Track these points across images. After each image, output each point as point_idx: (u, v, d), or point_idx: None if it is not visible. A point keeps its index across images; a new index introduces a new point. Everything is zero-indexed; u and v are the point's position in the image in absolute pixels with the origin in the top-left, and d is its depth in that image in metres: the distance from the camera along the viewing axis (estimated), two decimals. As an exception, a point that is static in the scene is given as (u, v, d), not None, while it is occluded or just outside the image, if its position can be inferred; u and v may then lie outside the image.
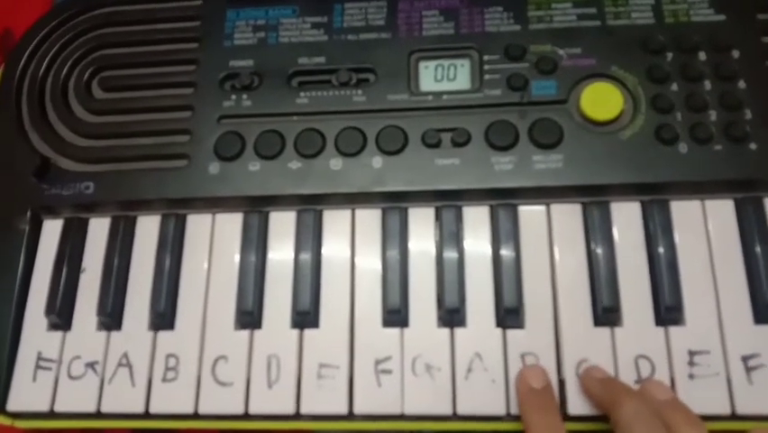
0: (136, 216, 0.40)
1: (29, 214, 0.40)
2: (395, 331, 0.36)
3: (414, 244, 0.38)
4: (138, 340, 0.37)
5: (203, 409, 0.36)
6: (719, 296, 0.35)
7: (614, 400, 0.31)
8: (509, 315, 0.35)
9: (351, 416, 0.35)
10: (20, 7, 0.51)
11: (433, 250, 0.37)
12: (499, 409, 0.34)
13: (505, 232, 0.37)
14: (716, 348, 0.34)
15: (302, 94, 0.40)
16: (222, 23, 0.42)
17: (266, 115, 0.40)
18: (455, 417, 0.34)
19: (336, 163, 0.38)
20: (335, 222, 0.39)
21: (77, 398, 0.37)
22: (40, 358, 0.37)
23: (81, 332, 0.38)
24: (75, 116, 0.42)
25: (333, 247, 0.38)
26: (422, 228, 0.38)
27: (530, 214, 0.38)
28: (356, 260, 0.38)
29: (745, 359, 0.34)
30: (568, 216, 0.37)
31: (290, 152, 0.39)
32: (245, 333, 0.37)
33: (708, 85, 0.38)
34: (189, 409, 0.36)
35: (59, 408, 0.37)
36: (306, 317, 0.36)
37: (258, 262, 0.38)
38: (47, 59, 0.44)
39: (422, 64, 0.40)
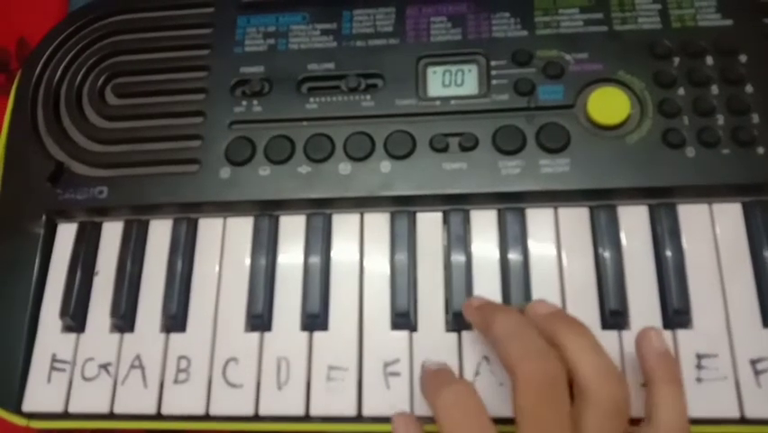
0: (149, 220, 0.41)
1: (43, 218, 0.41)
2: (403, 334, 0.36)
3: (422, 248, 0.38)
4: (150, 342, 0.38)
5: (214, 411, 0.36)
6: (727, 299, 0.35)
7: (488, 321, 0.31)
8: (517, 318, 0.36)
9: (359, 418, 0.35)
10: (35, 16, 0.52)
11: (440, 254, 0.38)
12: (507, 412, 0.34)
13: (512, 235, 0.37)
14: (724, 352, 0.34)
15: (311, 99, 0.41)
16: (233, 30, 0.43)
17: (276, 121, 0.40)
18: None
19: (345, 168, 0.39)
20: (344, 226, 0.39)
21: (90, 399, 0.37)
22: (54, 360, 0.38)
23: (95, 334, 0.39)
24: (89, 122, 0.43)
25: (343, 251, 0.38)
26: (430, 232, 0.38)
27: (537, 217, 0.38)
28: (365, 263, 0.38)
29: (753, 362, 0.34)
30: (575, 219, 0.38)
31: (300, 156, 0.39)
32: (255, 335, 0.37)
33: (715, 89, 0.38)
34: (200, 411, 0.36)
35: (72, 408, 0.37)
36: (315, 319, 0.37)
37: (268, 266, 0.38)
38: (61, 67, 0.44)
39: (430, 69, 0.41)
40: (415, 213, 0.39)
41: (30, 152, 0.42)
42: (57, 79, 0.44)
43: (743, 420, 0.33)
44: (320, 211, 0.39)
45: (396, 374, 0.35)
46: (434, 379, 0.32)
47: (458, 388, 0.31)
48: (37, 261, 0.40)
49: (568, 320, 0.31)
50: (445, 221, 0.38)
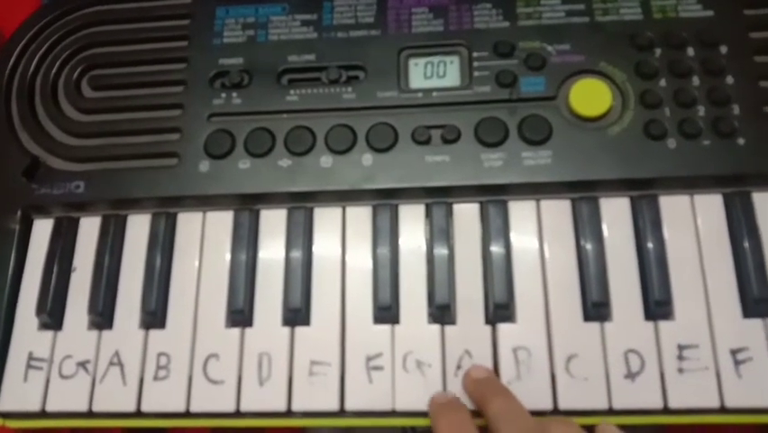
0: (127, 215, 0.40)
1: (19, 213, 0.40)
2: (386, 328, 0.36)
3: (404, 241, 0.38)
4: (129, 339, 0.37)
5: (194, 408, 0.36)
6: (708, 290, 0.35)
7: (484, 398, 0.32)
8: (499, 310, 0.35)
9: (342, 412, 0.35)
10: (8, 7, 0.50)
11: (423, 246, 0.37)
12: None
13: (495, 228, 0.37)
14: (705, 342, 0.34)
15: (292, 91, 0.40)
16: (211, 21, 0.42)
17: (256, 113, 0.40)
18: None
19: (326, 161, 0.38)
20: (326, 219, 0.39)
21: (68, 397, 0.37)
22: (31, 358, 0.37)
23: (72, 331, 0.38)
24: (65, 115, 0.42)
25: (324, 245, 0.38)
26: (412, 225, 0.38)
27: (520, 210, 0.38)
28: (347, 257, 0.38)
29: (733, 353, 0.34)
30: (557, 211, 0.37)
31: (280, 149, 0.39)
32: (236, 331, 0.37)
33: (696, 80, 0.38)
34: (181, 408, 0.36)
35: (50, 407, 0.37)
36: (297, 314, 0.36)
37: (249, 260, 0.38)
38: (36, 59, 0.43)
39: (411, 61, 0.40)
40: (397, 206, 0.38)
41: (4, 147, 0.41)
42: (31, 72, 0.43)
43: (723, 410, 0.33)
44: (301, 205, 0.39)
45: (378, 368, 0.35)
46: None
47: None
48: (12, 257, 0.39)
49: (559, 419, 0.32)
50: (428, 214, 0.38)
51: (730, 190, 0.37)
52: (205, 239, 0.39)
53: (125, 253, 0.39)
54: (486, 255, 0.37)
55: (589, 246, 0.36)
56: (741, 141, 0.37)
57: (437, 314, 0.36)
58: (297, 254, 0.37)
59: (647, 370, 0.34)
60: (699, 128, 0.37)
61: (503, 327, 0.36)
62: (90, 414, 0.36)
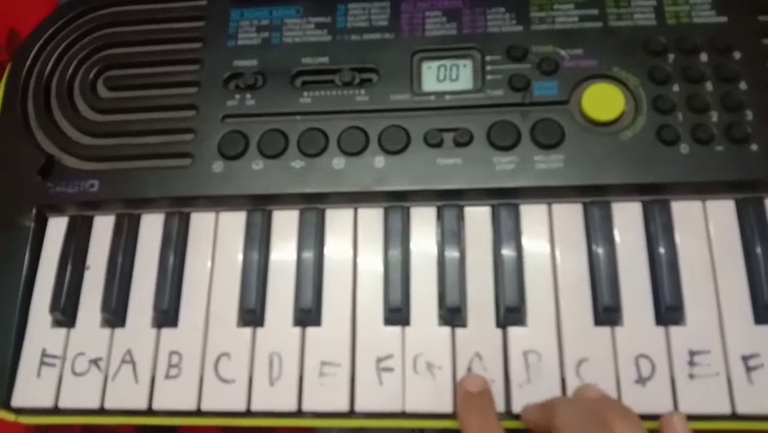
0: (140, 214, 0.40)
1: (34, 211, 0.40)
2: (396, 330, 0.36)
3: (415, 244, 0.38)
4: (141, 337, 0.37)
5: (205, 406, 0.36)
6: (720, 296, 0.35)
7: (549, 412, 0.31)
8: (510, 314, 0.36)
9: (352, 413, 0.35)
10: (25, 8, 0.51)
11: (434, 249, 0.38)
12: (498, 408, 0.34)
13: (506, 231, 0.37)
14: (716, 348, 0.34)
15: (305, 93, 0.40)
16: (226, 23, 0.43)
17: (269, 115, 0.40)
18: (456, 415, 0.35)
19: (339, 162, 0.39)
20: (338, 221, 0.39)
21: (80, 394, 0.37)
22: (44, 354, 0.38)
23: (85, 329, 0.38)
24: (80, 115, 0.43)
25: (336, 246, 0.38)
26: (424, 227, 0.38)
27: (531, 213, 0.38)
28: (358, 259, 0.38)
29: (745, 359, 0.34)
30: (569, 215, 0.38)
31: (293, 151, 0.39)
32: (248, 330, 0.37)
33: (709, 86, 0.38)
34: (192, 406, 0.36)
35: (62, 404, 0.37)
36: (308, 315, 0.37)
37: (261, 261, 0.38)
38: (53, 59, 0.44)
39: (424, 64, 0.41)
40: (408, 208, 0.39)
41: (20, 146, 0.41)
42: (48, 72, 0.44)
43: (734, 416, 0.33)
44: (313, 206, 0.39)
45: (389, 370, 0.35)
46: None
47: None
48: (27, 255, 0.40)
49: (618, 407, 0.32)
50: (439, 216, 0.38)
51: (743, 196, 0.37)
52: (217, 239, 0.39)
53: (138, 252, 0.39)
54: (497, 259, 0.37)
55: (600, 251, 0.36)
56: (754, 147, 0.37)
57: (448, 316, 0.36)
58: (308, 255, 0.38)
59: (658, 375, 0.34)
60: (712, 134, 0.37)
61: (513, 331, 0.36)
62: (102, 411, 0.37)
